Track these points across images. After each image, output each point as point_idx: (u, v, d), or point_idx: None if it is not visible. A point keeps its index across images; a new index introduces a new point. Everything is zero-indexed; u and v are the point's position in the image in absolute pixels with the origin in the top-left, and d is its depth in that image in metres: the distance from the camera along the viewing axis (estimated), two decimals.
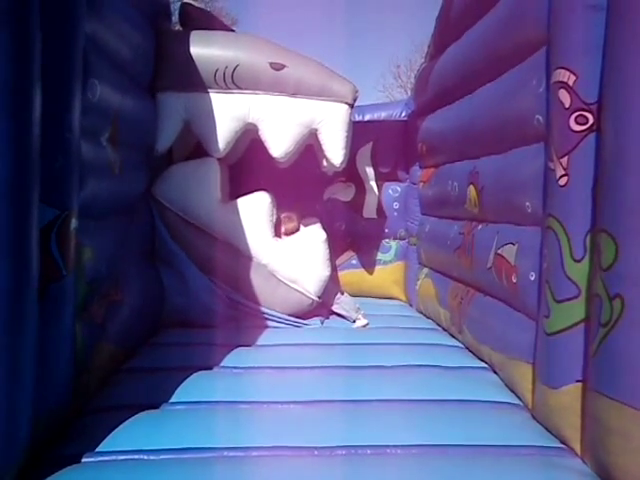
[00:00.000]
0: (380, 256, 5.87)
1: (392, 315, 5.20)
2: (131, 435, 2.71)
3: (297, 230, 4.89)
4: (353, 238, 5.65)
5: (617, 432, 2.29)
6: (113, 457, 2.54)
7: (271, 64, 4.45)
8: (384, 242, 5.88)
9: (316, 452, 2.58)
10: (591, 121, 2.56)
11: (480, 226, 3.92)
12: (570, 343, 2.63)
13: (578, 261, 2.58)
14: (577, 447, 2.61)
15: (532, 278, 3.07)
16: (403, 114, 5.66)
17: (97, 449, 2.60)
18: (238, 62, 4.43)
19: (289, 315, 4.71)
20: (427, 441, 2.70)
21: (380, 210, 5.76)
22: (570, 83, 2.63)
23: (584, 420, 2.56)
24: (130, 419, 2.83)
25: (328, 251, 4.82)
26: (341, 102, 4.57)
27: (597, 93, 2.54)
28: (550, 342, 2.74)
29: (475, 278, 3.91)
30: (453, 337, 4.37)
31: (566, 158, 2.65)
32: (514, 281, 3.26)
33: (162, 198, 4.56)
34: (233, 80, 4.44)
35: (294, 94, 4.52)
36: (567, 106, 2.64)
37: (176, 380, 3.32)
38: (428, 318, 5.10)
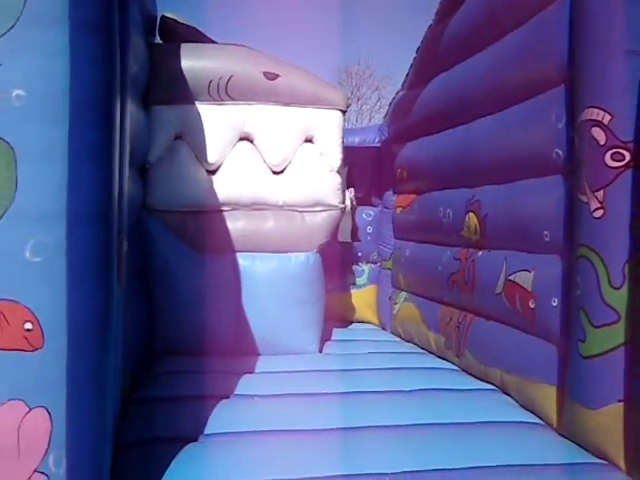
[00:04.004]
0: (354, 280, 5.98)
1: (373, 340, 5.31)
2: (192, 470, 2.66)
3: None
4: (328, 262, 5.70)
5: None
6: None
7: (265, 74, 4.56)
8: (356, 266, 6.00)
9: (387, 478, 2.63)
10: (628, 158, 2.74)
11: (481, 252, 4.07)
12: (610, 365, 2.78)
13: (617, 288, 2.75)
14: (621, 463, 2.76)
15: (555, 304, 3.23)
16: (377, 140, 5.80)
17: None
18: (232, 73, 4.52)
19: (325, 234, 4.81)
20: (466, 464, 2.76)
21: (354, 234, 5.88)
22: (605, 122, 2.80)
23: (628, 438, 2.72)
24: (180, 453, 2.76)
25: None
26: (335, 109, 4.75)
27: (634, 131, 2.73)
28: (587, 365, 2.88)
29: (477, 303, 4.06)
30: (444, 360, 4.51)
31: (602, 192, 2.81)
32: (532, 307, 3.41)
33: (161, 205, 4.54)
34: (227, 91, 4.52)
35: (288, 103, 4.66)
36: (602, 143, 2.81)
37: (200, 410, 3.28)
38: (407, 342, 5.23)
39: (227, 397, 3.54)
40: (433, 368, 4.32)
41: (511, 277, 3.64)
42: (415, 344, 5.10)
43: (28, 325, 1.84)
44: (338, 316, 5.73)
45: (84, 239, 1.95)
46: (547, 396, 3.26)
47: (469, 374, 4.14)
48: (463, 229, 4.25)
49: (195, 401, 3.46)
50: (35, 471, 1.86)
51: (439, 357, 4.64)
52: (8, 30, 1.81)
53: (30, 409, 1.86)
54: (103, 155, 2.03)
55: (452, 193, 4.49)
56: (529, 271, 3.48)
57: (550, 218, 3.28)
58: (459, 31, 4.35)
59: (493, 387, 3.84)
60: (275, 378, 3.98)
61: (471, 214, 4.13)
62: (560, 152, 3.19)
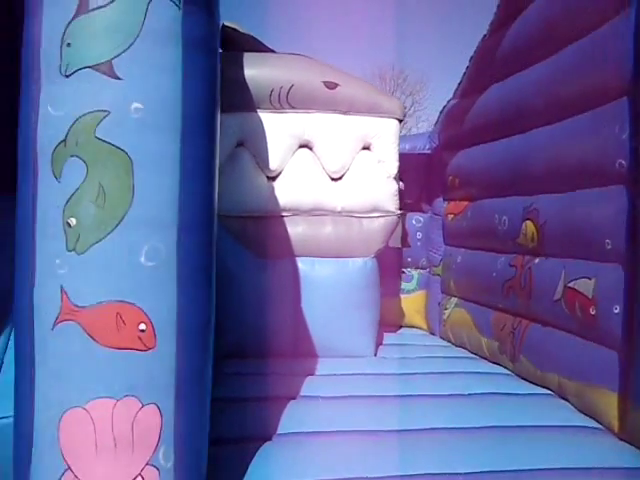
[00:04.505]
0: (403, 285, 6.09)
1: (425, 345, 5.40)
2: (266, 469, 2.75)
3: None
4: (379, 267, 5.79)
5: None
6: None
7: (325, 83, 4.68)
8: (406, 271, 6.09)
9: (461, 478, 2.72)
10: None
11: (537, 260, 4.14)
12: None
13: None
14: None
15: (616, 311, 3.29)
16: (427, 147, 5.89)
17: None
18: (293, 82, 4.64)
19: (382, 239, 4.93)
20: (529, 466, 2.84)
21: (404, 240, 5.97)
22: None
23: None
24: (259, 452, 2.86)
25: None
26: (392, 118, 4.87)
27: None
28: None
29: (534, 309, 4.12)
30: (498, 365, 4.58)
31: None
32: (592, 313, 3.46)
33: (222, 210, 4.62)
34: (288, 100, 4.64)
35: (347, 112, 4.78)
36: None
37: (266, 410, 3.39)
38: (458, 346, 5.31)
39: (291, 398, 3.64)
40: (488, 373, 4.40)
41: (570, 284, 3.69)
42: (466, 349, 5.17)
43: (142, 326, 1.95)
44: (387, 321, 5.79)
45: (192, 245, 2.06)
46: (608, 402, 3.31)
47: (523, 379, 4.20)
48: (519, 236, 4.32)
49: (260, 402, 3.57)
50: (147, 464, 1.97)
51: (492, 362, 4.70)
52: (129, 47, 1.92)
53: (143, 405, 1.97)
54: (208, 165, 2.15)
55: (508, 201, 4.56)
56: (589, 278, 3.54)
57: (612, 227, 3.34)
58: (517, 41, 4.41)
59: (549, 392, 3.90)
60: (335, 380, 4.07)
61: (528, 222, 4.20)
62: (623, 162, 3.25)
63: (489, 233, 4.82)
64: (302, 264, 4.71)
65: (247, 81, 4.56)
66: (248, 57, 4.65)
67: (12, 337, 3.34)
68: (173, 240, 1.99)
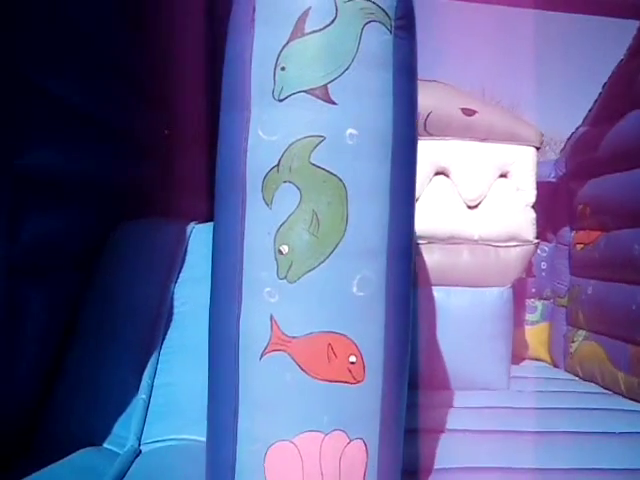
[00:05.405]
0: (527, 316, 5.92)
1: (553, 378, 5.23)
2: None
3: None
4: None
5: None
6: None
7: (463, 110, 4.60)
8: (530, 302, 5.93)
9: None
10: None
11: None
12: None
13: None
14: None
15: None
16: (552, 175, 5.75)
17: None
18: (431, 109, 4.58)
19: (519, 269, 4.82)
20: None
21: (529, 270, 5.81)
22: None
23: None
24: None
25: None
26: (529, 145, 4.76)
27: None
28: None
29: None
30: (638, 402, 4.38)
31: None
32: None
33: None
34: (425, 126, 4.56)
35: (484, 139, 4.69)
36: None
37: (421, 443, 3.27)
38: (586, 381, 5.12)
39: (439, 431, 3.56)
40: (632, 411, 4.21)
41: None
42: (596, 384, 4.97)
43: (352, 358, 1.90)
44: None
45: (398, 273, 2.00)
46: None
47: None
48: None
49: (410, 434, 3.46)
50: None
51: (629, 399, 4.49)
52: (344, 72, 1.88)
53: (350, 440, 1.91)
54: (411, 191, 2.11)
55: None
56: None
57: None
58: None
59: None
60: (477, 413, 3.96)
61: None
62: None
63: (627, 264, 4.63)
64: (437, 293, 4.62)
65: None
66: None
67: (162, 361, 3.34)
68: (383, 269, 1.94)
